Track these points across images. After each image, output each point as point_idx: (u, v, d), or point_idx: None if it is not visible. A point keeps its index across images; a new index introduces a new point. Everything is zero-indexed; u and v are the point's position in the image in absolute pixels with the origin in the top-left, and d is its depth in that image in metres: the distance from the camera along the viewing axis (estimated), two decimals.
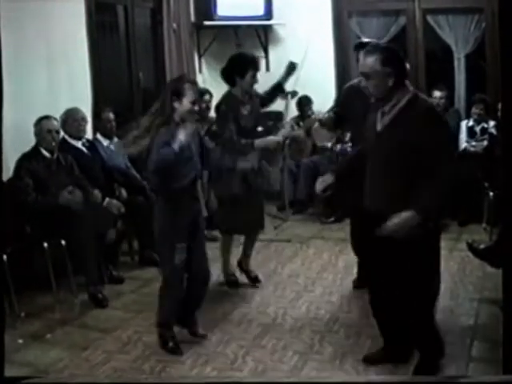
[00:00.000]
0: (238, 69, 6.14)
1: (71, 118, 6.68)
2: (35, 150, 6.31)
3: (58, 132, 6.40)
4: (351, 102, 5.88)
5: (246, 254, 6.56)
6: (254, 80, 6.15)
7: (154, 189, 5.17)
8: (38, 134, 6.33)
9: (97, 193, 6.49)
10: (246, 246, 6.57)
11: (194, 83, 5.09)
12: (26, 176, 6.14)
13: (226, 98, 6.25)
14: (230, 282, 6.46)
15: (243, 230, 6.46)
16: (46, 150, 6.31)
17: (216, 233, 7.03)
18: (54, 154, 6.35)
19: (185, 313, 5.26)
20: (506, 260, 3.88)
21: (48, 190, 6.20)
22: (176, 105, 4.85)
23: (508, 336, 3.71)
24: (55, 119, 6.45)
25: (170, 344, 5.11)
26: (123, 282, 6.60)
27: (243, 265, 6.57)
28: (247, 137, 6.17)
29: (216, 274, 6.30)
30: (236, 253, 6.59)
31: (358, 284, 6.14)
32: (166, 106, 4.88)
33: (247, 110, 6.23)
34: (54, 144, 6.35)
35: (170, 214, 4.97)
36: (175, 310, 5.16)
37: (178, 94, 4.84)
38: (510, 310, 3.74)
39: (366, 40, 6.38)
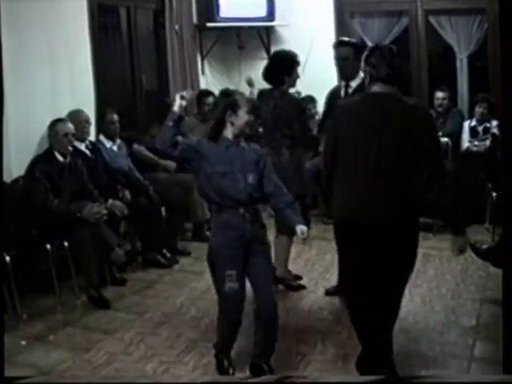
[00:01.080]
0: (286, 67, 6.15)
1: (75, 120, 6.68)
2: (49, 153, 6.29)
3: (73, 135, 6.38)
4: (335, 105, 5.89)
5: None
6: (298, 75, 6.21)
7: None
8: (53, 136, 6.31)
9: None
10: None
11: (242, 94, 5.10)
12: (42, 179, 6.12)
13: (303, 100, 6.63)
14: (294, 286, 6.43)
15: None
16: (59, 153, 6.29)
17: None
18: (67, 158, 6.34)
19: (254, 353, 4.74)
20: (506, 260, 3.88)
21: (61, 195, 6.20)
22: (233, 119, 4.59)
23: (508, 336, 3.71)
24: (69, 121, 6.46)
25: (225, 366, 4.76)
26: (126, 284, 6.59)
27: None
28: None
29: None
30: None
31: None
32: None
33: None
34: (70, 148, 6.34)
35: (218, 234, 4.65)
36: (232, 336, 4.78)
37: (234, 108, 4.60)
38: (509, 309, 3.74)
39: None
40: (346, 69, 6.02)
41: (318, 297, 6.18)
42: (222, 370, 4.76)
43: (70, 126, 6.39)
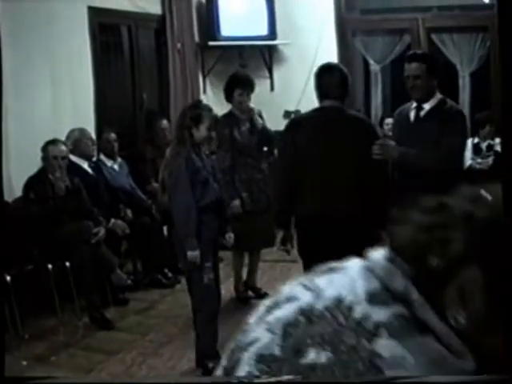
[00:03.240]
0: (227, 87, 6.41)
1: (85, 138, 6.67)
2: (42, 174, 6.23)
3: (64, 158, 6.26)
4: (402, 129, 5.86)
5: (252, 272, 6.65)
6: (241, 98, 6.28)
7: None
8: (44, 159, 6.26)
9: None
10: (252, 263, 6.66)
11: (210, 110, 5.16)
12: (37, 200, 6.08)
13: (223, 116, 6.47)
14: (243, 299, 6.53)
15: (254, 247, 6.54)
16: (52, 175, 6.23)
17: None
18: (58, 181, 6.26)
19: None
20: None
21: (58, 216, 6.16)
22: (194, 131, 4.93)
23: (508, 336, 3.66)
24: (63, 143, 6.38)
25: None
26: (128, 304, 6.55)
27: (250, 282, 6.64)
28: (249, 156, 6.36)
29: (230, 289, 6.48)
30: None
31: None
32: (183, 132, 4.97)
33: (246, 128, 6.36)
34: (58, 173, 6.18)
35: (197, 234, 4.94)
36: (216, 333, 4.99)
37: (197, 121, 4.93)
38: (509, 309, 3.69)
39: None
40: (417, 88, 4.94)
41: None
42: (209, 374, 4.77)
43: (63, 149, 6.27)
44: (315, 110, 4.97)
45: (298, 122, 5.18)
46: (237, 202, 6.20)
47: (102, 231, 6.24)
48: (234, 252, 6.55)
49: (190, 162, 4.93)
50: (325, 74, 4.86)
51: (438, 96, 5.00)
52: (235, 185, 6.25)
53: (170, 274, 7.06)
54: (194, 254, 4.83)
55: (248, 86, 6.35)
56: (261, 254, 6.70)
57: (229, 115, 6.44)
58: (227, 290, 6.44)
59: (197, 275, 4.94)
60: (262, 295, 6.48)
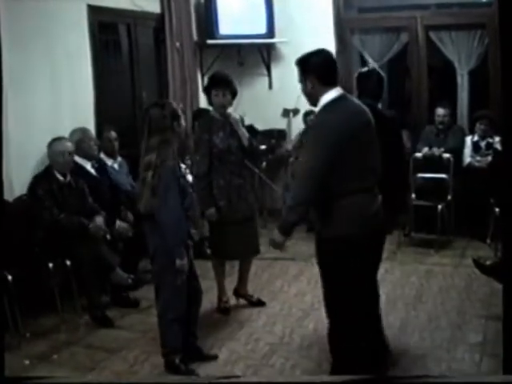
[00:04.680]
0: (206, 90, 6.27)
1: (87, 138, 6.67)
2: (48, 172, 6.27)
3: (70, 154, 6.33)
4: None
5: (242, 280, 6.49)
6: (217, 99, 6.09)
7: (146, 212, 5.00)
8: (52, 155, 6.29)
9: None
10: (242, 271, 6.49)
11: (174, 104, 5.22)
12: (45, 196, 6.10)
13: (202, 120, 6.33)
14: (223, 309, 6.33)
15: (236, 255, 6.38)
16: (58, 172, 6.27)
17: None
18: (67, 176, 6.31)
19: (187, 337, 5.22)
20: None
21: (63, 213, 6.17)
22: (176, 127, 4.95)
23: (508, 336, 3.70)
24: (69, 140, 6.44)
25: (182, 368, 5.06)
26: (139, 305, 6.51)
27: (241, 291, 6.50)
28: (227, 162, 6.10)
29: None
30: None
31: None
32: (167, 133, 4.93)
33: (226, 133, 6.13)
34: (69, 166, 6.32)
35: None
36: (181, 333, 5.11)
37: (175, 117, 4.95)
38: (509, 309, 3.73)
39: None
40: None
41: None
42: (178, 370, 5.05)
43: (68, 145, 6.36)
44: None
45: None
46: (212, 211, 6.03)
47: (100, 220, 6.26)
48: (214, 261, 6.37)
49: (177, 167, 4.98)
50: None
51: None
52: (212, 192, 6.06)
53: None
54: (182, 263, 4.87)
55: (222, 86, 6.07)
56: (251, 262, 6.53)
57: (208, 119, 6.22)
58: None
59: (169, 277, 4.94)
60: (254, 302, 6.45)
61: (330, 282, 4.51)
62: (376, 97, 5.76)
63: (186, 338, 5.18)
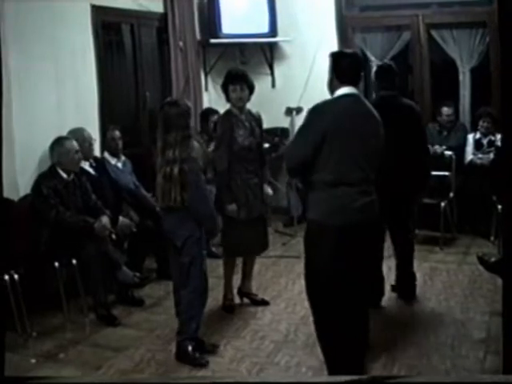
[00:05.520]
0: (223, 87, 6.27)
1: (81, 139, 6.68)
2: (52, 171, 6.27)
3: (77, 152, 6.35)
4: None
5: (246, 278, 6.50)
6: (234, 94, 6.13)
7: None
8: (62, 154, 6.27)
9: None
10: (246, 269, 6.51)
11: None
12: (51, 194, 6.10)
13: (223, 116, 6.31)
14: (228, 307, 6.35)
15: (248, 252, 6.41)
16: (63, 170, 6.27)
17: None
18: (71, 175, 6.33)
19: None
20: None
21: (69, 210, 6.18)
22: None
23: (508, 336, 3.72)
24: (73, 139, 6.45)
25: (197, 356, 5.23)
26: (143, 304, 6.52)
27: (245, 289, 6.51)
28: (245, 160, 6.15)
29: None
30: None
31: None
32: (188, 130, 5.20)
33: (245, 128, 6.17)
34: (75, 165, 6.35)
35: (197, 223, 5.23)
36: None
37: (190, 115, 5.27)
38: (509, 309, 3.75)
39: None
40: None
41: None
42: (188, 358, 5.21)
43: (75, 143, 6.37)
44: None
45: None
46: (234, 207, 6.07)
47: (105, 219, 6.27)
48: (226, 259, 6.38)
49: None
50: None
51: None
52: (232, 189, 6.09)
53: None
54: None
55: (239, 80, 6.12)
56: (255, 259, 6.57)
57: (229, 114, 6.21)
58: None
59: (199, 266, 5.22)
60: (257, 302, 6.46)
61: (306, 263, 4.79)
62: (399, 88, 6.24)
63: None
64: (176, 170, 5.05)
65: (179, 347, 5.27)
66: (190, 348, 5.22)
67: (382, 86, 6.17)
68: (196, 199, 5.10)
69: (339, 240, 4.46)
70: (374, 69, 6.30)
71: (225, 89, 6.21)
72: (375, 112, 4.67)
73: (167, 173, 5.10)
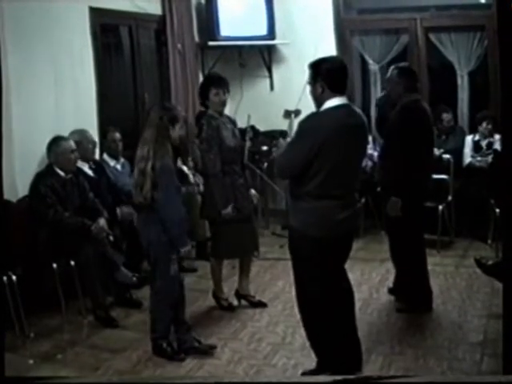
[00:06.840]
0: (202, 89, 6.30)
1: (85, 140, 6.69)
2: (50, 170, 6.27)
3: (73, 152, 6.35)
4: None
5: (243, 280, 6.50)
6: (217, 98, 6.13)
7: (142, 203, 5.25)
8: (58, 154, 6.28)
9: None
10: (242, 271, 6.50)
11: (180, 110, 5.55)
12: (48, 193, 6.11)
13: (208, 118, 6.21)
14: (227, 307, 6.38)
15: (238, 254, 6.43)
16: (61, 169, 6.27)
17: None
18: (68, 174, 6.33)
19: (178, 327, 5.48)
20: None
21: (66, 210, 6.19)
22: (171, 131, 5.20)
23: (508, 336, 3.73)
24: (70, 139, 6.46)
25: (169, 351, 5.33)
26: (141, 306, 6.46)
27: (242, 291, 6.50)
28: (232, 161, 6.19)
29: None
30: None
31: None
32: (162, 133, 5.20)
33: (227, 129, 6.21)
34: (72, 164, 6.36)
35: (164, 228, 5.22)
36: (172, 318, 5.39)
37: (173, 121, 5.22)
38: (509, 309, 3.76)
39: None
40: None
41: None
42: (164, 354, 5.33)
43: (72, 143, 6.38)
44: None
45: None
46: (229, 209, 6.08)
47: (102, 221, 6.28)
48: (215, 261, 6.39)
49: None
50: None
51: None
52: (227, 190, 6.11)
53: None
54: (187, 249, 5.32)
55: (222, 84, 6.16)
56: (251, 261, 6.59)
57: (212, 117, 6.17)
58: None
59: (164, 267, 5.23)
60: (255, 303, 6.46)
61: (293, 266, 4.80)
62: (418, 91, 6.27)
63: (177, 327, 5.44)
64: (149, 166, 5.09)
65: (154, 344, 5.40)
66: (164, 345, 5.35)
67: (405, 88, 5.98)
68: (165, 200, 5.12)
69: (317, 249, 4.52)
70: (392, 69, 6.14)
71: (204, 93, 6.21)
72: (365, 120, 4.66)
73: (141, 168, 5.16)
